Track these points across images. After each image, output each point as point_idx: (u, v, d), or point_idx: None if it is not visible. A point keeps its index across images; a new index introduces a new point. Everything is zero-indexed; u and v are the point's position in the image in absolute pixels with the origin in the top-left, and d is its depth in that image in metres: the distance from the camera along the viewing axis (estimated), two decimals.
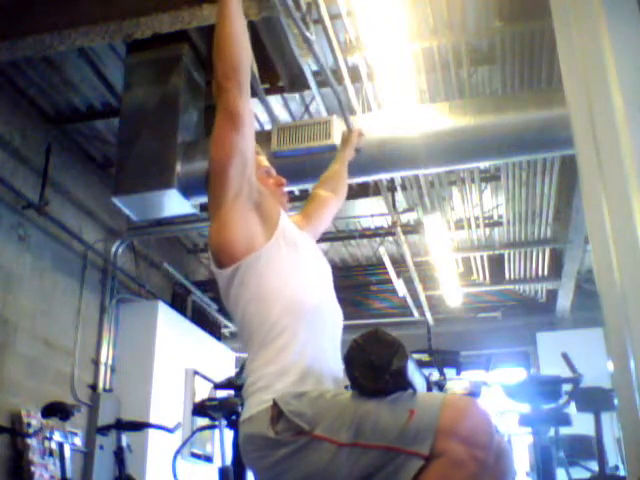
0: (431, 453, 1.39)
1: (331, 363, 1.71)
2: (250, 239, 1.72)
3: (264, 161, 2.03)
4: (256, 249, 1.72)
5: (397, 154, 3.99)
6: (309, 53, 3.58)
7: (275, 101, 5.05)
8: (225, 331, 8.23)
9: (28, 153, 5.13)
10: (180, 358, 6.40)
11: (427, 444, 1.39)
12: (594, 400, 3.83)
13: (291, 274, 1.75)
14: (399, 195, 6.10)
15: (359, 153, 2.76)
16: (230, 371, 6.71)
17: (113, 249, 6.16)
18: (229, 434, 3.53)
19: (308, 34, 3.33)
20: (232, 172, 1.69)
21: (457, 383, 3.31)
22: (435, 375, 3.50)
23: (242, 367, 3.61)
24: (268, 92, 4.72)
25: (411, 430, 1.42)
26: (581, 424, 3.83)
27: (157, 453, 5.46)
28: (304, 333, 1.69)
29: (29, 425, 4.64)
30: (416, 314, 8.27)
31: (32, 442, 4.61)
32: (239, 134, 1.67)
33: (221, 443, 3.62)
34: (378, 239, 7.43)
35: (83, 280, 5.74)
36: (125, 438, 4.05)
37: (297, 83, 4.57)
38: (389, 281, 7.55)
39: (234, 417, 3.47)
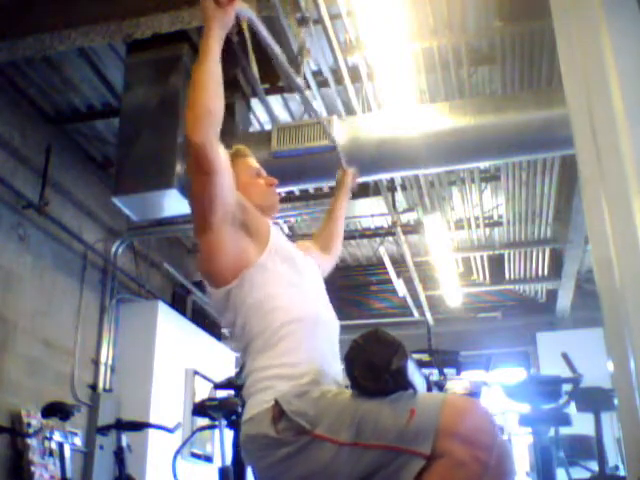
0: (432, 453, 1.39)
1: (331, 366, 1.72)
2: (241, 257, 1.73)
3: (253, 162, 2.03)
4: (250, 265, 1.73)
5: (397, 154, 3.99)
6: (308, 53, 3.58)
7: (275, 101, 5.05)
8: (225, 331, 8.23)
9: (28, 153, 5.13)
10: (180, 358, 6.40)
11: (428, 444, 1.39)
12: (594, 400, 3.82)
13: (289, 282, 1.77)
14: (399, 195, 6.10)
15: (353, 193, 2.70)
16: (230, 371, 6.70)
17: (113, 249, 6.15)
18: (229, 434, 3.53)
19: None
20: (214, 211, 1.70)
21: (457, 383, 3.31)
22: (435, 375, 3.50)
23: (242, 367, 3.61)
24: (268, 92, 4.72)
25: (411, 430, 1.42)
26: (581, 424, 3.82)
27: (157, 453, 5.46)
28: (306, 337, 1.70)
29: (29, 425, 4.64)
30: (416, 314, 8.27)
31: (32, 442, 4.60)
32: (215, 181, 1.67)
33: (221, 443, 3.61)
34: (378, 239, 7.43)
35: (83, 280, 5.73)
36: (125, 438, 4.05)
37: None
38: (389, 281, 7.55)
39: (234, 417, 3.47)
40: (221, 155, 1.70)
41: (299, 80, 2.88)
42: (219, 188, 1.68)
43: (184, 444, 4.84)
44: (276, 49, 2.20)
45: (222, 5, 1.66)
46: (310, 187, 5.92)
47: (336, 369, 1.73)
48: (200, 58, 1.66)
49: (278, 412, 1.56)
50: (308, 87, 3.13)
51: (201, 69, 1.64)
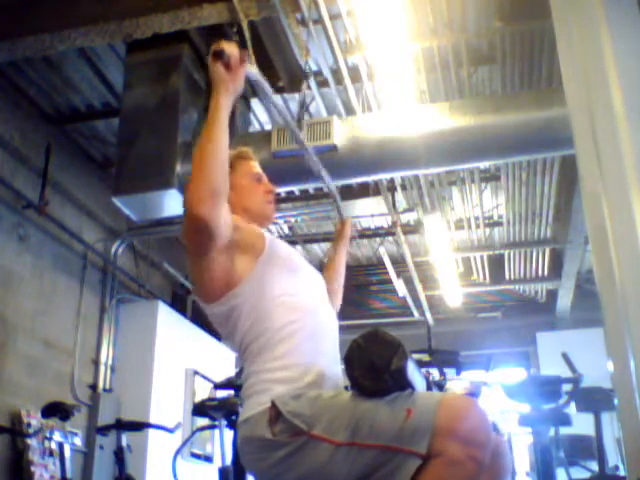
0: (428, 452, 1.39)
1: (331, 368, 1.71)
2: (234, 273, 1.70)
3: (255, 167, 2.00)
4: (244, 278, 1.70)
5: (397, 154, 3.99)
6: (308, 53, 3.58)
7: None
8: None
9: (28, 153, 5.13)
10: (180, 358, 6.39)
11: (424, 443, 1.39)
12: (594, 400, 3.82)
13: (287, 284, 1.75)
14: (399, 195, 6.10)
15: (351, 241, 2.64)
16: (230, 371, 6.70)
17: (113, 249, 6.15)
18: (229, 434, 3.53)
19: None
20: (210, 253, 1.65)
21: (457, 383, 3.31)
22: (435, 375, 3.50)
23: (242, 367, 3.61)
24: None
25: (408, 429, 1.42)
26: (581, 424, 3.82)
27: (157, 453, 5.46)
28: (306, 338, 1.69)
29: (29, 425, 4.64)
30: (416, 314, 8.27)
31: (32, 442, 4.60)
32: (216, 242, 1.62)
33: (221, 443, 3.61)
34: (378, 239, 7.43)
35: (83, 280, 5.73)
36: (125, 438, 4.05)
37: (297, 83, 4.57)
38: (389, 281, 7.55)
39: (234, 417, 3.47)
40: (224, 219, 1.61)
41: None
42: (217, 246, 1.64)
43: (184, 444, 4.84)
44: (280, 104, 2.20)
45: (233, 69, 1.59)
46: (310, 187, 5.92)
47: (336, 371, 1.73)
48: (209, 127, 1.57)
49: (275, 414, 1.55)
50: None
51: (210, 143, 1.56)
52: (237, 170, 1.83)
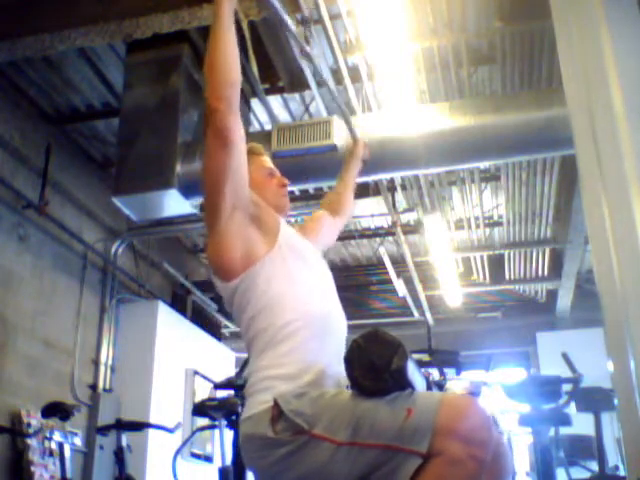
0: (429, 452, 1.39)
1: (336, 367, 1.71)
2: (250, 252, 1.73)
3: (267, 162, 2.03)
4: (258, 259, 1.72)
5: (397, 154, 3.99)
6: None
7: (275, 101, 5.05)
8: (225, 331, 8.23)
9: (28, 153, 5.13)
10: (180, 358, 6.40)
11: (425, 442, 1.39)
12: (594, 400, 3.83)
13: (297, 279, 1.76)
14: (399, 195, 6.10)
15: (366, 165, 2.76)
16: (230, 371, 6.71)
17: (113, 249, 6.15)
18: (229, 434, 3.53)
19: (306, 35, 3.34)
20: (226, 190, 1.68)
21: (457, 383, 3.32)
22: (435, 375, 3.51)
23: (242, 367, 3.62)
24: (268, 92, 4.72)
25: (409, 429, 1.42)
26: (581, 424, 3.83)
27: (157, 453, 5.46)
28: (310, 337, 1.69)
29: (29, 425, 4.64)
30: (416, 314, 8.27)
31: (32, 442, 4.60)
32: (230, 153, 1.67)
33: (221, 443, 3.62)
34: (378, 239, 7.43)
35: (83, 280, 5.73)
36: (125, 438, 4.05)
37: (297, 83, 4.57)
38: (389, 281, 7.55)
39: (234, 417, 3.47)
40: (241, 128, 1.71)
41: (309, 48, 2.88)
42: (234, 163, 1.68)
43: (184, 444, 4.84)
44: (285, 17, 2.20)
45: None
46: (310, 187, 5.92)
47: (339, 369, 1.73)
48: (215, 30, 1.67)
49: (277, 412, 1.56)
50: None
51: (218, 42, 1.66)
52: (249, 166, 1.83)
